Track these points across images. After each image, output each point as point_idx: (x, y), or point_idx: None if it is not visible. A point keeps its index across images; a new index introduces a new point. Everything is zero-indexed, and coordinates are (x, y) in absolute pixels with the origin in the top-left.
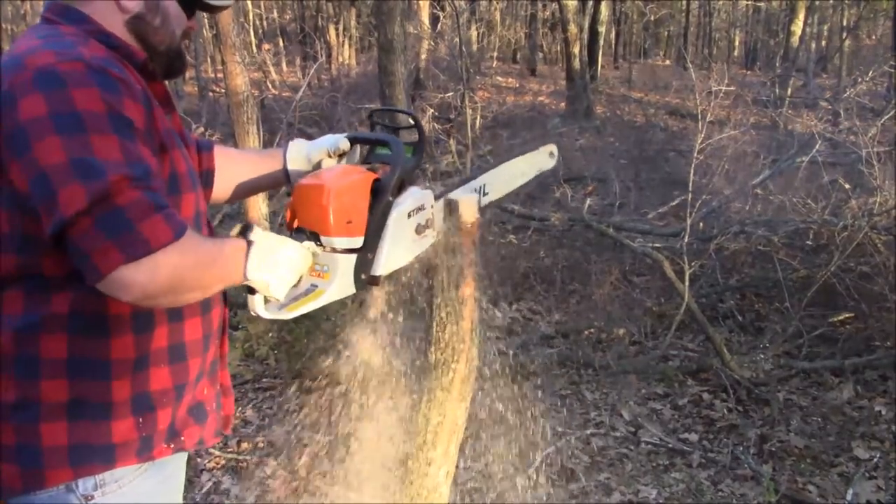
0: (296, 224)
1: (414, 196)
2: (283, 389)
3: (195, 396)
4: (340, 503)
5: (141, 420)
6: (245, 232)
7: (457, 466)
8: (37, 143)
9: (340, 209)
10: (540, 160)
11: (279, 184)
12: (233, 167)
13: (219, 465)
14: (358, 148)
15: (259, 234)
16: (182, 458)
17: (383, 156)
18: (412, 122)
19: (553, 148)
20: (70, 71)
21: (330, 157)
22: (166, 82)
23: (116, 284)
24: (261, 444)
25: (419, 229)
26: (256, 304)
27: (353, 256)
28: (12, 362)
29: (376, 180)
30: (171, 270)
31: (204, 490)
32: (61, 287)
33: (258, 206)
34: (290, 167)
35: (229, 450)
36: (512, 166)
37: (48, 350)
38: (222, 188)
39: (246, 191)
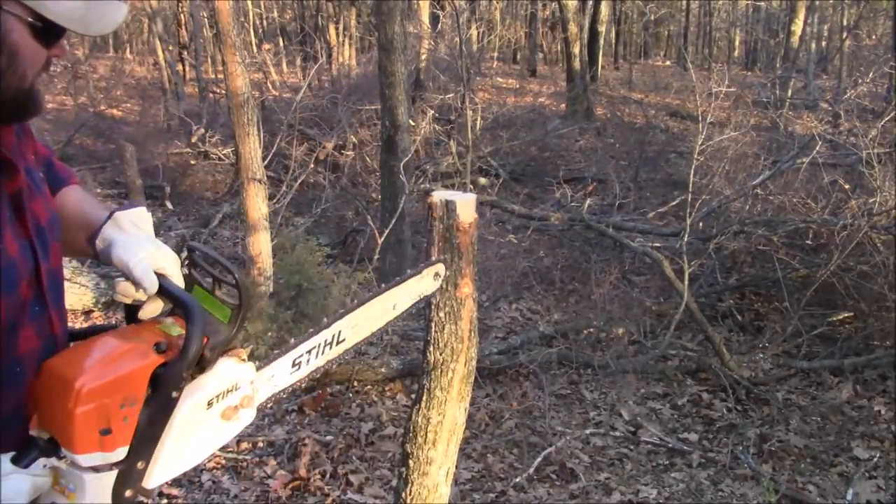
0: (33, 425)
1: (221, 377)
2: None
3: None
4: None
5: None
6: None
7: (456, 466)
8: None
9: (93, 417)
10: (423, 286)
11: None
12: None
13: (219, 465)
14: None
15: None
16: None
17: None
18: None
19: (440, 268)
20: None
21: (134, 286)
22: (15, 134)
23: None
24: (261, 444)
25: (227, 413)
26: None
27: (111, 473)
28: None
29: (162, 365)
30: None
31: (204, 489)
32: None
33: (258, 206)
34: (102, 257)
35: (229, 450)
36: (378, 303)
37: None
38: None
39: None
